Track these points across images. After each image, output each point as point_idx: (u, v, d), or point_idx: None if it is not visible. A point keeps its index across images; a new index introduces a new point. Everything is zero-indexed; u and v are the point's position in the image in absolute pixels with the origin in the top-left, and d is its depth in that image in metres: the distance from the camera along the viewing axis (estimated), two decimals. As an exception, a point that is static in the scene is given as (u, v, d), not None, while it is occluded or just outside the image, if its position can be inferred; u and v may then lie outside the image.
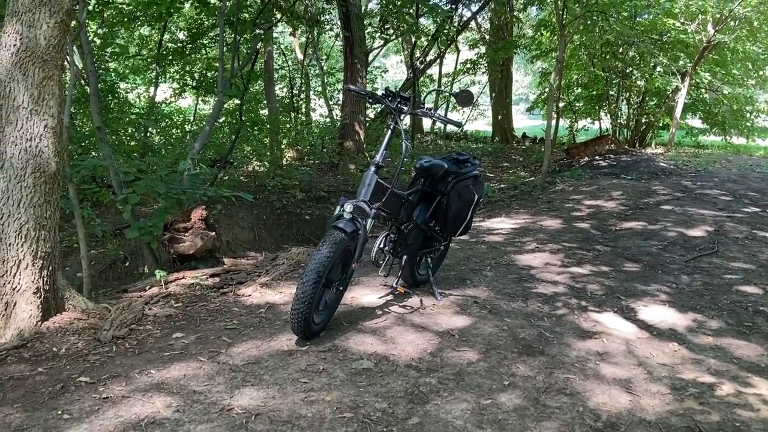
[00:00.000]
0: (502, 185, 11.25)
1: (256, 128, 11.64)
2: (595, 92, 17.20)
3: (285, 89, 15.81)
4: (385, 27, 13.22)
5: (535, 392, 3.08)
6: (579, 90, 18.14)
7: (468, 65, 18.00)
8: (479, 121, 26.14)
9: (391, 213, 4.02)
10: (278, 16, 10.22)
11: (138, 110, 12.25)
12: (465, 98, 4.02)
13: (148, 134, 11.36)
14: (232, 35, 8.97)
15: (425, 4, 11.47)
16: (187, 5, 10.05)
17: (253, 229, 9.41)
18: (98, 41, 10.69)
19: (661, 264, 5.38)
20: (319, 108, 16.42)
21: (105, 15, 9.58)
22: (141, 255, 7.45)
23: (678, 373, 3.35)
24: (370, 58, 22.45)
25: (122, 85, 12.90)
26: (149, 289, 4.66)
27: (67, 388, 3.03)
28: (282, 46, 16.96)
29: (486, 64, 18.51)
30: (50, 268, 3.88)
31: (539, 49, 17.27)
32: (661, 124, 16.52)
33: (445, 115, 18.13)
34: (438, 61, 17.47)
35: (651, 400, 3.03)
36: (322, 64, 16.36)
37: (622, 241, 6.13)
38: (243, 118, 10.43)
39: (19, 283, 3.73)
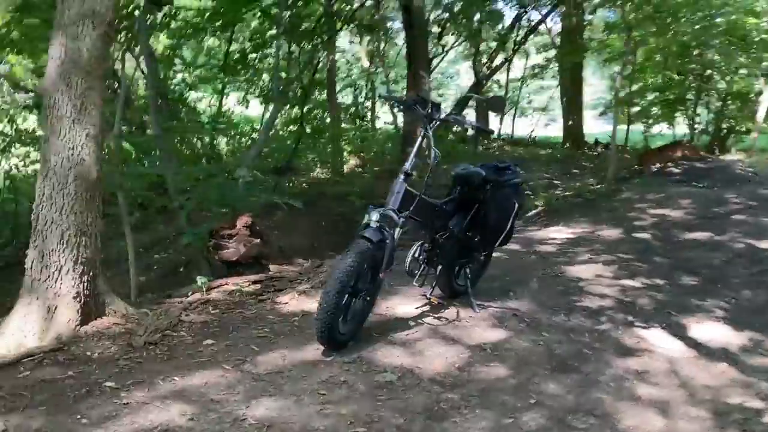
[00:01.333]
0: (566, 193, 10.91)
1: (318, 136, 11.77)
2: (672, 96, 16.49)
3: (350, 97, 15.91)
4: (443, 34, 13.09)
5: (561, 412, 2.93)
6: (655, 94, 17.44)
7: (536, 70, 17.62)
8: (551, 127, 25.51)
9: (423, 222, 3.94)
10: (339, 25, 10.29)
11: (207, 119, 12.56)
12: (496, 104, 3.90)
13: (215, 142, 11.64)
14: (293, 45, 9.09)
15: (482, 9, 11.24)
16: (250, 15, 10.24)
17: (311, 236, 9.48)
18: (167, 52, 11.06)
19: (722, 277, 5.06)
20: (383, 115, 16.47)
21: (172, 26, 9.88)
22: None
23: (723, 396, 3.12)
24: (440, 64, 22.31)
25: (193, 94, 13.27)
26: (191, 294, 4.73)
27: (93, 392, 3.09)
28: (348, 54, 17.10)
29: (556, 69, 18.07)
30: (91, 273, 3.98)
31: (612, 52, 16.69)
32: (744, 129, 15.67)
33: (513, 123, 17.88)
34: (506, 65, 17.17)
35: (688, 425, 2.83)
36: (388, 71, 16.39)
37: (683, 253, 5.81)
38: (305, 126, 10.54)
39: (59, 288, 3.85)
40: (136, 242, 9.26)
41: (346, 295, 3.48)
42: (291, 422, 2.79)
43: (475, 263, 4.49)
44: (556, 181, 13.10)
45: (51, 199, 3.86)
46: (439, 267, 4.17)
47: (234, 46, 12.10)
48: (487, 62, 15.99)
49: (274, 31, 9.51)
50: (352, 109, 14.65)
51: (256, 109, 15.38)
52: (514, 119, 18.13)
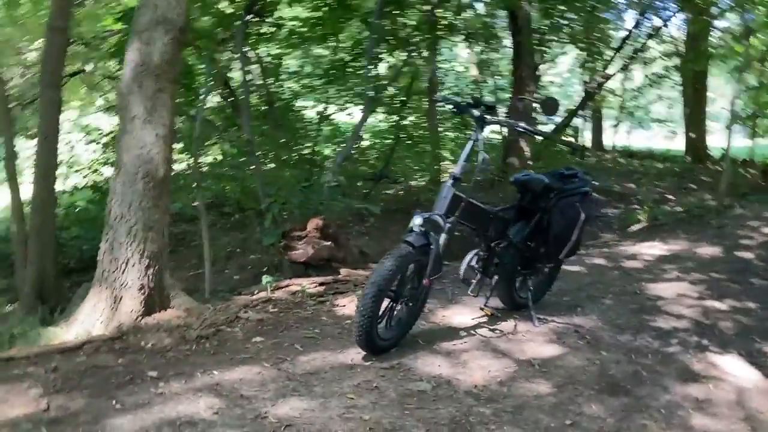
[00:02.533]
0: (676, 208, 10.25)
1: (416, 144, 11.76)
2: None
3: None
4: (544, 40, 12.63)
5: (597, 436, 2.72)
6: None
7: (654, 79, 16.69)
8: (675, 140, 24.08)
9: (476, 228, 3.81)
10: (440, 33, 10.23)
11: (311, 126, 12.84)
12: (550, 106, 3.71)
13: (317, 149, 11.86)
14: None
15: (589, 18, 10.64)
16: (353, 24, 10.38)
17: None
18: (275, 61, 11.43)
19: (828, 304, 4.55)
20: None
21: (278, 36, 10.19)
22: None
23: (791, 434, 2.79)
24: (558, 71, 21.59)
25: (302, 102, 13.60)
26: (257, 293, 4.83)
27: (135, 380, 3.21)
28: (457, 62, 17.00)
29: (679, 77, 17.01)
30: (156, 267, 4.16)
31: (742, 60, 15.54)
32: None
33: (629, 135, 16.95)
34: (623, 74, 16.38)
35: (740, 463, 2.54)
36: (497, 79, 16.08)
37: (788, 275, 5.28)
38: (401, 134, 10.56)
39: (125, 280, 4.04)
40: (233, 243, 9.68)
41: (387, 300, 3.43)
42: (311, 423, 2.76)
43: (538, 275, 4.29)
44: (668, 196, 12.38)
45: (121, 195, 4.07)
46: (495, 277, 4.00)
47: (342, 55, 12.30)
48: (601, 71, 15.35)
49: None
50: (457, 119, 14.48)
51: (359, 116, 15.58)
52: (630, 130, 17.27)
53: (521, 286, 4.27)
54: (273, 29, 9.97)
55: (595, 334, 3.91)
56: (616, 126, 17.54)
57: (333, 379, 3.23)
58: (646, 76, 16.47)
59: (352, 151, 13.62)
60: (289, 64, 12.81)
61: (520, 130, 3.83)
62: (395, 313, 3.57)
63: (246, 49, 7.87)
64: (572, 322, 4.11)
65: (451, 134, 14.49)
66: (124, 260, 4.05)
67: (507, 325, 4.05)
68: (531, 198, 4.00)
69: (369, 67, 7.81)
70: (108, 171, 11.12)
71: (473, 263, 3.88)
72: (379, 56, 8.77)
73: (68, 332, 4.03)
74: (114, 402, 2.94)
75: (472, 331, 3.93)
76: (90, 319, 4.04)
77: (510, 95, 13.85)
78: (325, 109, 12.13)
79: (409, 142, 12.26)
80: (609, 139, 18.57)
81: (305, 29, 10.15)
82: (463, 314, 4.28)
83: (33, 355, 3.53)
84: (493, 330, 3.95)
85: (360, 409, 2.90)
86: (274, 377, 3.24)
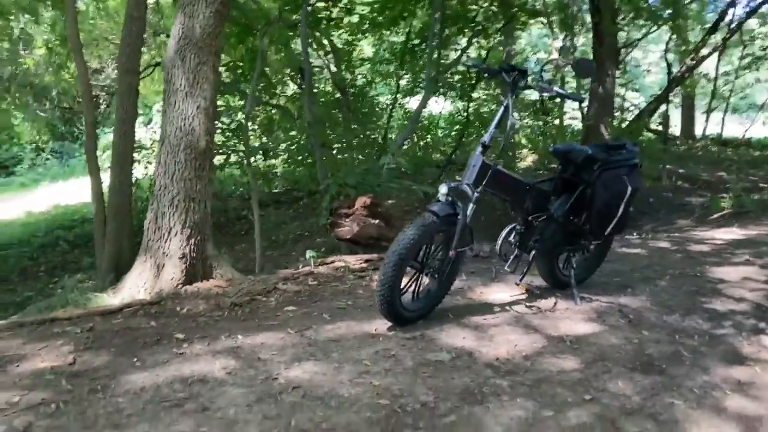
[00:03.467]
0: (767, 196, 9.60)
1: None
2: None
3: (535, 92, 15.16)
4: (616, 18, 12.01)
5: (616, 412, 2.55)
6: None
7: (750, 60, 15.59)
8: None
9: (510, 201, 3.66)
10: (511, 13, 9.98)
11: (385, 113, 12.87)
12: (583, 68, 3.51)
13: (389, 135, 11.89)
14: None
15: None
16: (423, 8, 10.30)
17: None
18: (347, 48, 11.52)
19: None
20: (571, 111, 15.68)
21: (346, 21, 10.25)
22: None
23: (839, 421, 2.52)
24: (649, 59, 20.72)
25: (376, 90, 13.66)
26: (302, 267, 4.86)
27: (161, 341, 3.28)
28: (537, 48, 16.61)
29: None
30: (198, 237, 4.26)
31: None
32: None
33: (723, 122, 15.94)
34: (717, 55, 15.44)
35: (770, 447, 2.32)
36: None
37: None
38: (470, 119, 10.40)
39: (168, 249, 4.16)
40: (303, 227, 9.84)
41: (413, 271, 3.37)
42: (319, 386, 2.73)
43: (584, 252, 4.09)
44: (761, 185, 11.64)
45: (165, 166, 4.19)
46: (533, 252, 3.84)
47: (415, 41, 12.25)
48: (691, 53, 14.53)
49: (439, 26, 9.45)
50: (538, 105, 14.13)
51: (435, 104, 15.43)
52: (724, 117, 16.29)
53: (565, 264, 4.09)
54: (341, 14, 10.02)
55: (640, 314, 3.69)
56: (707, 113, 16.62)
57: (352, 346, 3.19)
58: (741, 57, 15.49)
59: (427, 138, 13.62)
60: (364, 52, 12.90)
61: (553, 94, 3.63)
62: (422, 285, 3.49)
63: (309, 33, 7.93)
64: (617, 302, 3.89)
65: (529, 121, 14.20)
66: (167, 229, 4.17)
67: (546, 302, 3.89)
68: (573, 170, 3.81)
69: (431, 49, 7.68)
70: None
71: (510, 238, 3.75)
72: (446, 38, 8.62)
73: (115, 298, 4.19)
74: (135, 360, 3.02)
75: (507, 307, 3.79)
76: (135, 286, 4.19)
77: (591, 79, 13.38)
78: (397, 94, 12.12)
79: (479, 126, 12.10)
80: (701, 127, 17.64)
81: (374, 14, 10.14)
82: (502, 291, 4.14)
83: (75, 316, 3.68)
84: (529, 307, 3.80)
85: (372, 375, 2.85)
86: (295, 343, 3.24)
